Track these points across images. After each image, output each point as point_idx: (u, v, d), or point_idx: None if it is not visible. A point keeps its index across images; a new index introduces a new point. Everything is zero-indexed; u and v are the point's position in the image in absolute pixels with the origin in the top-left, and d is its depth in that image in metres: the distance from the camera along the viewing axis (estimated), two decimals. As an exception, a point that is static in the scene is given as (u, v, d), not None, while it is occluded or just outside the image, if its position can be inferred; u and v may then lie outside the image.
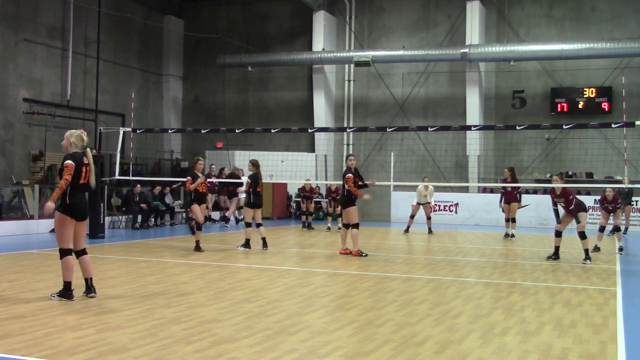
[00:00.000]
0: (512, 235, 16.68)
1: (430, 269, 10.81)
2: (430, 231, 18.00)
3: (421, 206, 18.29)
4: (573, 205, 11.83)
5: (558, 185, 12.03)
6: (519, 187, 17.11)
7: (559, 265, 11.48)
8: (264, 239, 13.15)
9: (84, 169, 7.44)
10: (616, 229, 14.42)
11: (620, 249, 13.87)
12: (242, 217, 21.91)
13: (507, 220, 16.96)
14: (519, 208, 17.10)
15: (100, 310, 6.94)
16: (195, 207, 12.87)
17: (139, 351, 5.34)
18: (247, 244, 13.12)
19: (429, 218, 18.26)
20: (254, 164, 13.29)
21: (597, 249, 13.74)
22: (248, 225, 13.22)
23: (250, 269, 10.64)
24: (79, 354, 5.21)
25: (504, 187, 16.88)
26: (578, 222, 11.81)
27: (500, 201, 17.09)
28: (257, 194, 13.15)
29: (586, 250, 11.92)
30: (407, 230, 18.08)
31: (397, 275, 10.00)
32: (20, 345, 5.45)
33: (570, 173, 21.82)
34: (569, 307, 7.59)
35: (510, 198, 16.71)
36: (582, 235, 11.83)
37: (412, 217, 18.31)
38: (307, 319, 6.73)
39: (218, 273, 9.97)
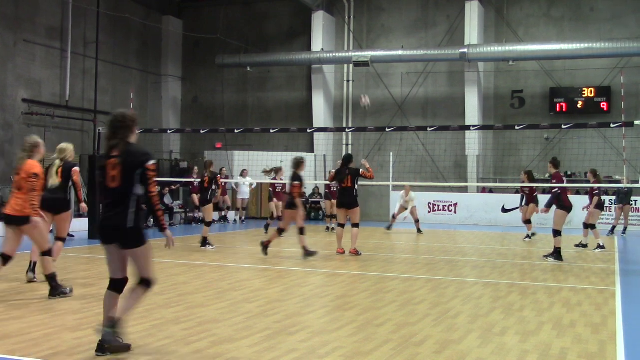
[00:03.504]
0: (533, 234, 16.43)
1: (429, 269, 10.82)
2: (419, 231, 17.91)
3: (407, 210, 18.41)
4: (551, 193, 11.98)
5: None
6: (535, 190, 16.94)
7: (558, 265, 11.49)
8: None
9: None
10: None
11: (600, 246, 13.95)
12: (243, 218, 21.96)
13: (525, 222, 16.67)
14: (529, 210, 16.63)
15: (100, 310, 6.91)
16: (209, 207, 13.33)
17: (138, 351, 5.34)
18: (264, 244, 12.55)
19: (416, 221, 18.19)
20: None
21: (583, 245, 13.94)
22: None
23: (250, 269, 10.64)
24: (78, 355, 5.21)
25: (522, 189, 16.76)
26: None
27: (521, 203, 16.83)
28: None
29: (556, 249, 11.94)
30: (389, 228, 18.25)
31: (396, 275, 10.00)
32: (20, 346, 5.44)
33: (569, 173, 21.83)
34: (568, 307, 7.60)
35: (530, 200, 16.55)
36: (555, 233, 11.90)
37: (394, 217, 18.57)
38: (307, 319, 6.73)
39: (218, 273, 9.97)
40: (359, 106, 25.40)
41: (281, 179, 16.86)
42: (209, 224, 13.42)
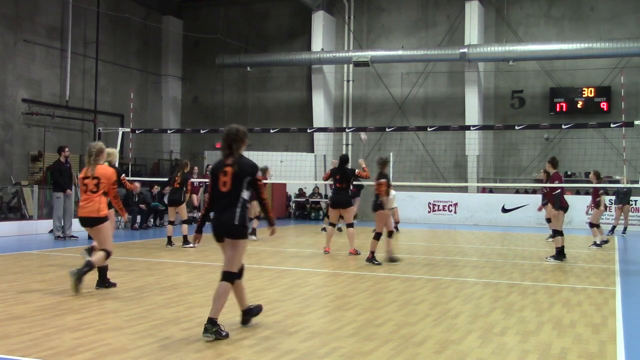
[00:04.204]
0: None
1: (429, 269, 10.81)
2: (396, 229, 17.76)
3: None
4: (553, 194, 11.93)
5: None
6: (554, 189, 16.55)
7: (559, 265, 11.48)
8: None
9: None
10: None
11: (598, 243, 13.99)
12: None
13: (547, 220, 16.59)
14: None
15: (100, 310, 6.94)
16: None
17: (138, 352, 5.34)
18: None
19: (396, 222, 18.04)
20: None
21: (604, 241, 14.04)
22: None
23: (250, 269, 10.60)
24: (78, 355, 5.20)
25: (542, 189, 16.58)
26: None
27: (542, 202, 16.66)
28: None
29: (557, 249, 11.95)
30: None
31: (396, 275, 9.99)
32: (20, 346, 5.44)
33: (569, 173, 21.84)
34: (568, 307, 7.59)
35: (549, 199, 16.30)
36: (555, 233, 11.93)
37: None
38: (306, 319, 6.73)
39: (218, 273, 9.89)
40: (359, 106, 25.48)
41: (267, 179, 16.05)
42: (186, 222, 13.93)
